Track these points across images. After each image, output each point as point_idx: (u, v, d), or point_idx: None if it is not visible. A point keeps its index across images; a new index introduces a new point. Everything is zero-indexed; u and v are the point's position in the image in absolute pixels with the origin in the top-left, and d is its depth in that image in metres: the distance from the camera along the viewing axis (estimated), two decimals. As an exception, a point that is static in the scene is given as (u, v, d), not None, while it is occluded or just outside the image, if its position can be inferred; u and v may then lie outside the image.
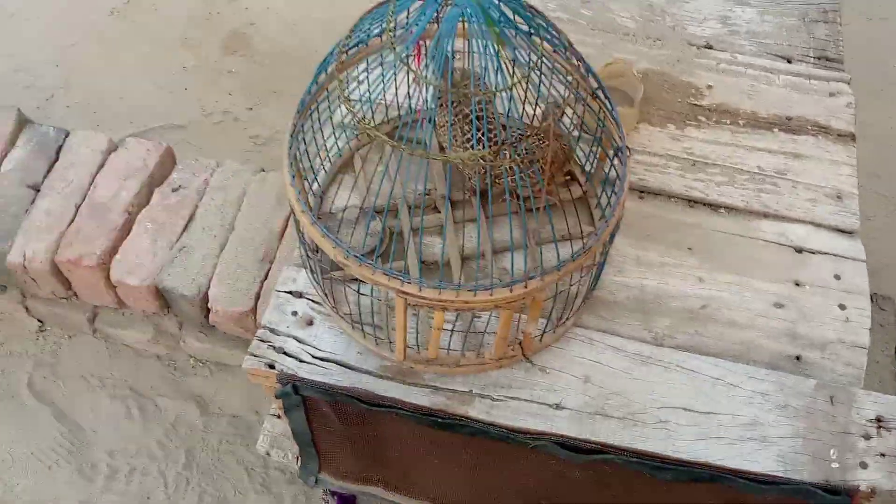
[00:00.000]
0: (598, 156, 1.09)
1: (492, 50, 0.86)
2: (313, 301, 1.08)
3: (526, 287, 0.89)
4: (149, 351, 1.71)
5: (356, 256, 0.91)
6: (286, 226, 1.59)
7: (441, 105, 1.07)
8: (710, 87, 1.28)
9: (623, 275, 1.10)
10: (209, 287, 1.54)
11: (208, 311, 1.55)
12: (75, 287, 1.65)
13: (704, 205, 1.17)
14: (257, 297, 1.52)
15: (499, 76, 0.87)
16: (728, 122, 1.24)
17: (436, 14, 0.90)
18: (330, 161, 1.16)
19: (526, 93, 0.95)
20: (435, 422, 1.01)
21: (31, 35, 2.25)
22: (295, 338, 1.05)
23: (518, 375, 1.02)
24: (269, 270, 1.54)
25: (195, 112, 2.10)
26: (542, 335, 1.02)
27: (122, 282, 1.56)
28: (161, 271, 1.55)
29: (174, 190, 1.66)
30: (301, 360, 1.03)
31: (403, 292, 0.90)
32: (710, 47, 1.33)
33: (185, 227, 1.61)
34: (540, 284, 0.90)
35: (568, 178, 1.15)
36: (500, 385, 1.01)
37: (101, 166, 1.68)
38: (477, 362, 1.01)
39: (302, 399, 1.05)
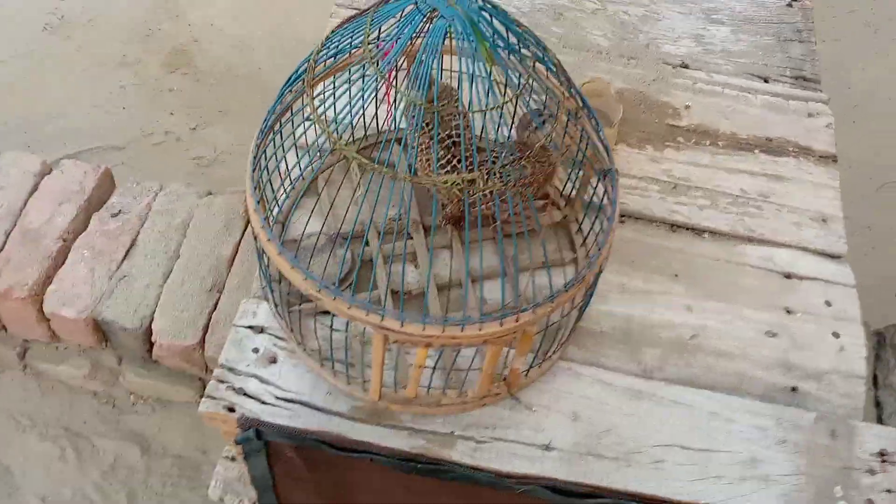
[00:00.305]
0: (579, 178, 1.03)
1: (481, 69, 0.79)
2: (276, 336, 0.99)
3: (517, 320, 0.82)
4: (85, 387, 1.59)
5: (329, 288, 0.83)
6: (236, 252, 1.49)
7: (419, 126, 1.00)
8: (687, 107, 1.23)
9: (608, 303, 1.04)
10: (152, 319, 1.43)
11: (151, 344, 1.44)
12: (4, 320, 1.52)
13: (687, 229, 1.12)
14: (205, 330, 1.41)
15: (488, 96, 0.80)
16: (707, 143, 1.20)
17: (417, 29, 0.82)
18: (291, 184, 1.08)
19: (502, 113, 0.89)
20: (414, 467, 0.92)
21: (-45, 50, 2.11)
22: (256, 377, 0.96)
23: (503, 414, 0.94)
24: (217, 301, 1.44)
25: (134, 132, 1.99)
26: (528, 370, 0.95)
27: (56, 314, 1.44)
28: (100, 302, 1.43)
29: (114, 215, 1.55)
30: (264, 402, 0.94)
31: (383, 328, 0.82)
32: (686, 66, 1.28)
33: (126, 255, 1.50)
34: (532, 317, 0.83)
35: (545, 201, 1.09)
36: (484, 425, 0.93)
37: (34, 190, 1.55)
38: (459, 401, 0.93)
39: (264, 444, 0.96)
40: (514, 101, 0.82)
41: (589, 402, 0.95)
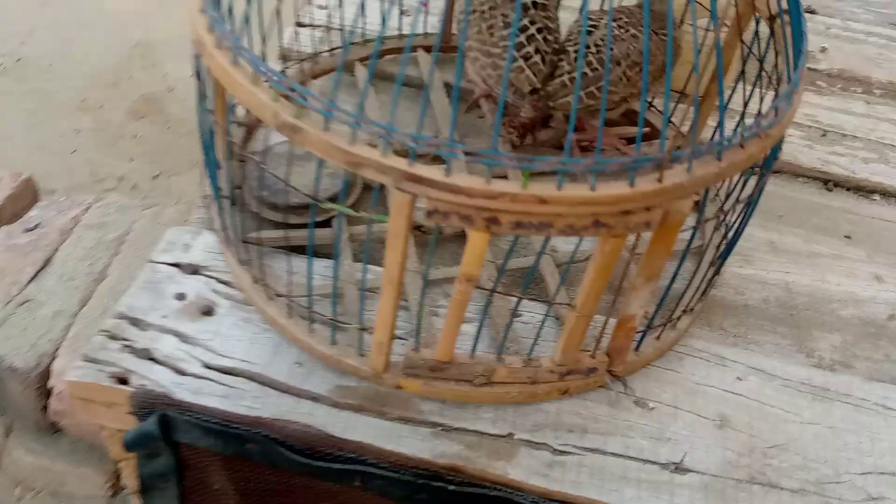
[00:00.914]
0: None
1: None
2: (218, 280, 0.60)
3: (660, 181, 0.44)
4: (-48, 471, 1.14)
5: (318, 106, 0.44)
6: (185, 275, 1.10)
7: None
8: (824, 49, 0.92)
9: (753, 265, 0.66)
10: (54, 357, 1.01)
11: (48, 395, 1.02)
12: None
13: (848, 188, 0.76)
14: (129, 371, 1.00)
15: None
16: (860, 90, 0.87)
17: None
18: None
19: None
20: (442, 491, 0.51)
21: None
22: (175, 333, 0.56)
23: (600, 412, 0.54)
24: (152, 335, 1.04)
25: (81, 177, 1.64)
26: (640, 340, 0.55)
27: (-81, 345, 1.02)
28: (-15, 331, 1.03)
29: (28, 229, 1.16)
30: (182, 372, 0.54)
31: (412, 178, 0.43)
32: (813, 12, 0.99)
33: (35, 276, 1.10)
34: (687, 180, 0.45)
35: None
36: (568, 426, 0.53)
37: (-76, 196, 1.18)
38: (525, 377, 0.53)
39: (173, 448, 0.54)
40: None
41: (744, 401, 0.55)
